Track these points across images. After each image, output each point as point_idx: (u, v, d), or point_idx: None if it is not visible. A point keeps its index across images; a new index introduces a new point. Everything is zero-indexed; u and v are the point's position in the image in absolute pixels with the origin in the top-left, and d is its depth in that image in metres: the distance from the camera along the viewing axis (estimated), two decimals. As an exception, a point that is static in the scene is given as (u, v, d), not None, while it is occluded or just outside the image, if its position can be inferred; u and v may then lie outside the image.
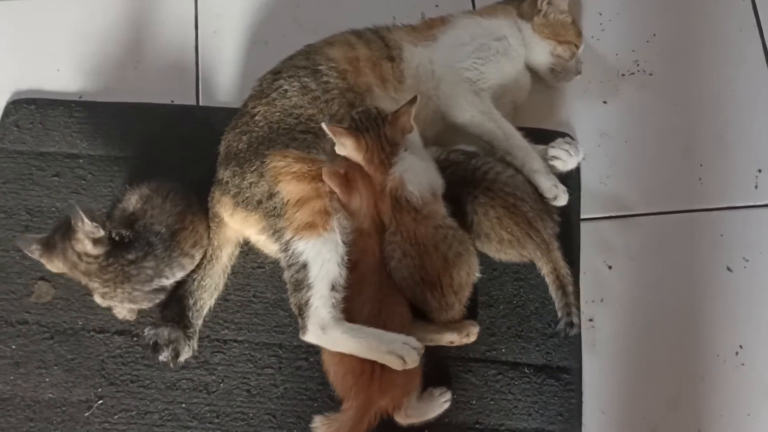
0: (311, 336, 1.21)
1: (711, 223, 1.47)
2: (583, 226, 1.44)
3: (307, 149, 1.26)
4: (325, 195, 1.22)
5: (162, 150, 1.47)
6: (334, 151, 1.27)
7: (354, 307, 1.22)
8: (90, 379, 1.32)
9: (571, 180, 1.41)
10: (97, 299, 1.30)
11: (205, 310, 1.34)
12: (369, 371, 1.19)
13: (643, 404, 1.35)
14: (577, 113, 1.55)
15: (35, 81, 1.57)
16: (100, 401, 1.31)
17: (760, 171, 1.51)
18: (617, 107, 1.56)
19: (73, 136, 1.49)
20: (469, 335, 1.30)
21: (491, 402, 1.32)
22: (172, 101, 1.54)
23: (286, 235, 1.22)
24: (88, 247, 1.22)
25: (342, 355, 1.21)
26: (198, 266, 1.33)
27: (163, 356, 1.28)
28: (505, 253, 1.32)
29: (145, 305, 1.29)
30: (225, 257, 1.36)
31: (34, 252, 1.26)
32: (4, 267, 1.40)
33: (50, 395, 1.32)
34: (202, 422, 1.30)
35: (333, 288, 1.20)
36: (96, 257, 1.23)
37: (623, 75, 1.59)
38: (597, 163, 1.50)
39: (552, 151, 1.38)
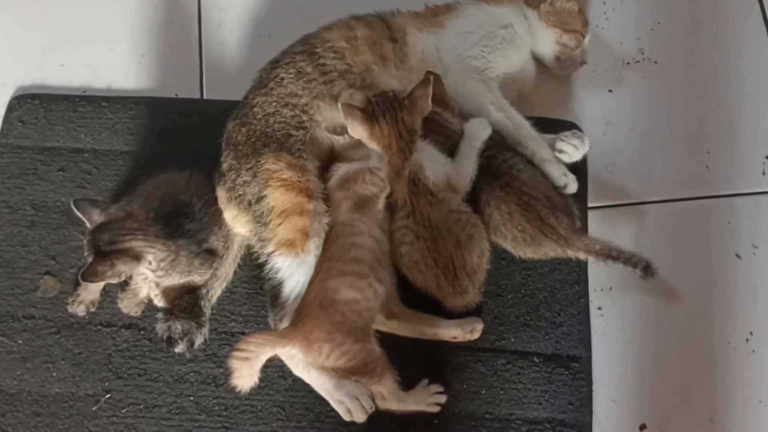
0: (282, 354, 1.24)
1: (719, 210, 1.46)
2: (591, 214, 1.43)
3: (298, 150, 1.27)
4: (308, 214, 1.23)
5: (167, 144, 1.47)
6: (345, 131, 1.27)
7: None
8: (97, 373, 1.32)
9: (577, 169, 1.40)
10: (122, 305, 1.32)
11: (215, 299, 1.33)
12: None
13: (654, 392, 1.34)
14: (582, 102, 1.54)
15: (39, 76, 1.56)
16: (108, 395, 1.31)
17: (767, 157, 1.50)
18: (623, 96, 1.55)
19: (78, 130, 1.48)
20: (473, 332, 1.30)
21: (501, 392, 1.31)
22: (177, 95, 1.54)
23: (269, 247, 1.24)
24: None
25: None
26: None
27: (179, 348, 1.28)
28: (523, 252, 1.31)
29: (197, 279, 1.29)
30: (236, 245, 1.35)
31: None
32: (9, 262, 1.39)
33: (57, 390, 1.31)
34: (210, 415, 1.29)
35: None
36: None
37: (628, 63, 1.59)
38: (603, 151, 1.49)
39: (560, 145, 1.36)
